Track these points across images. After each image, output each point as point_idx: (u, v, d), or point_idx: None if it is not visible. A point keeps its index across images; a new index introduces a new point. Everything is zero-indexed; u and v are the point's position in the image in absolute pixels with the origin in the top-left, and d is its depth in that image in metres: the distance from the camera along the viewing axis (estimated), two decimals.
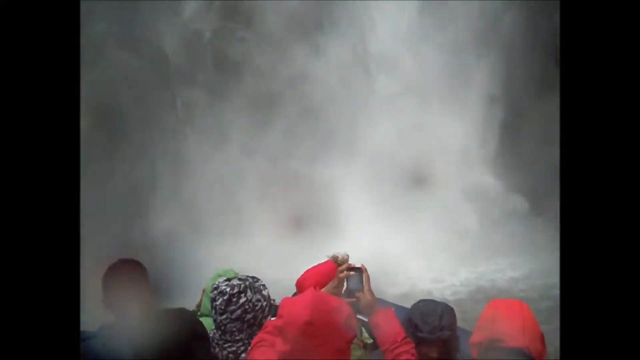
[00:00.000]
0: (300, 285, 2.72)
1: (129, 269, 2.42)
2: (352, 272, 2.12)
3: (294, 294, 2.66)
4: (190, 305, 2.97)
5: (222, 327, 2.40)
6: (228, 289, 2.39)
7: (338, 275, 2.14)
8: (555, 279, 7.60)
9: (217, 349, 2.40)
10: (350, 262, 2.23)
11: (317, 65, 9.44)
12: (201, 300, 3.00)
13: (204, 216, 8.46)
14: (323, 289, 2.14)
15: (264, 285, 2.49)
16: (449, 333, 2.34)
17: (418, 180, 8.39)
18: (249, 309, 2.38)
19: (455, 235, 8.62)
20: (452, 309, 2.44)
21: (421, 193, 8.42)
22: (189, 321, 2.45)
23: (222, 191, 8.82)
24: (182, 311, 2.50)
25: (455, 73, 9.61)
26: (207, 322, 2.48)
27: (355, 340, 2.52)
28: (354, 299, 2.09)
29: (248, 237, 7.75)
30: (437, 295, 7.13)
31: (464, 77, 9.71)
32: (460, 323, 2.58)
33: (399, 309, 3.02)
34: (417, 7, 9.79)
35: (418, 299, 2.53)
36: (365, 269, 2.15)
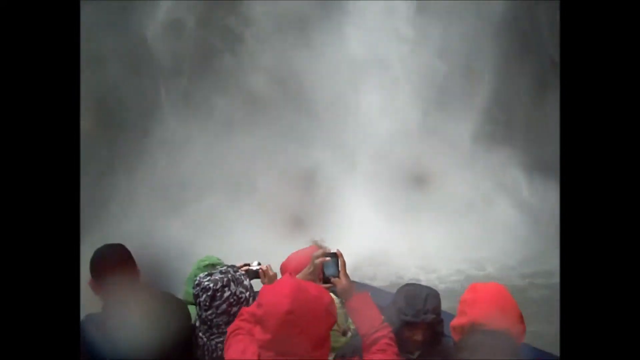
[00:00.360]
0: (284, 269, 2.74)
1: (115, 252, 2.44)
2: (327, 258, 2.11)
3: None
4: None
5: (209, 322, 2.36)
6: (211, 285, 2.35)
7: (313, 261, 2.13)
8: (545, 266, 7.69)
9: (204, 339, 2.40)
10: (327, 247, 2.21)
11: (310, 61, 9.35)
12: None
13: (202, 216, 8.44)
14: (298, 275, 2.13)
15: (244, 274, 2.48)
16: (433, 316, 2.35)
17: (418, 180, 8.37)
18: (234, 302, 2.35)
19: (456, 236, 8.58)
20: (437, 293, 2.44)
21: (421, 193, 8.40)
22: (176, 305, 2.48)
23: (219, 189, 8.79)
24: (170, 296, 2.52)
25: (453, 74, 9.62)
26: (192, 310, 2.49)
27: (335, 327, 2.53)
28: (330, 285, 2.08)
29: (245, 237, 7.72)
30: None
31: (462, 78, 9.72)
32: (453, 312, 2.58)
33: (384, 293, 3.04)
34: (414, 6, 9.77)
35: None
36: (341, 254, 2.13)
